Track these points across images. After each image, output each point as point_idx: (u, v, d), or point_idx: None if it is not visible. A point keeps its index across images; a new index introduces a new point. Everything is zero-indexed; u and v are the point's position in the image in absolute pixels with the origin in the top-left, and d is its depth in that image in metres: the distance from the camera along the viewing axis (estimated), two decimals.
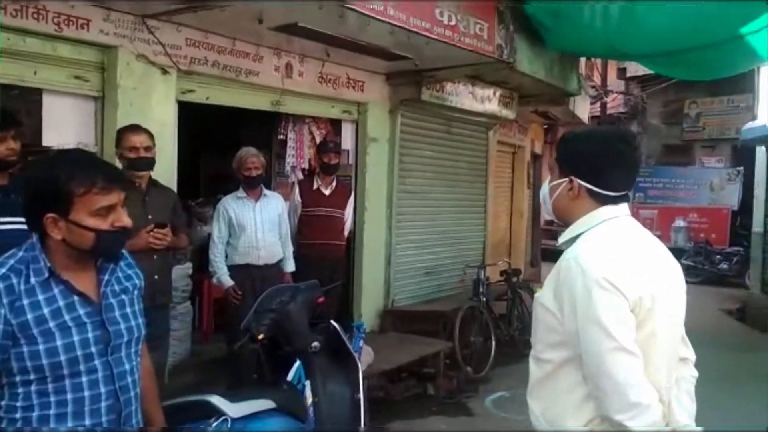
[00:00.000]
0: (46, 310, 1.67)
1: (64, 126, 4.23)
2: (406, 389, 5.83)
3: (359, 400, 3.39)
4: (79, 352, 1.69)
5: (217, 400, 2.46)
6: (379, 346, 5.51)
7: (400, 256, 6.87)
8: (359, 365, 3.49)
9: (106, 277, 1.82)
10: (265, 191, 4.96)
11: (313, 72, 5.65)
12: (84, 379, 1.71)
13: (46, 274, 1.69)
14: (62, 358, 1.66)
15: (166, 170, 4.56)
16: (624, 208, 1.79)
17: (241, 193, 4.87)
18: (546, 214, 2.00)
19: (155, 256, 3.69)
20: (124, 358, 1.81)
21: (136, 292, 1.92)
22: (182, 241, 3.98)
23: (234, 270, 4.78)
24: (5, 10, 3.65)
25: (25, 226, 2.69)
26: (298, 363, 3.29)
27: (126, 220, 1.76)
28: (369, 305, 6.55)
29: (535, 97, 8.03)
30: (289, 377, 3.24)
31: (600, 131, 1.97)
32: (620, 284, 1.59)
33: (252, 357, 3.63)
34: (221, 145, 7.43)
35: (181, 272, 5.27)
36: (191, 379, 5.03)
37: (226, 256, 4.82)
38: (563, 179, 1.81)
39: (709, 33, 5.48)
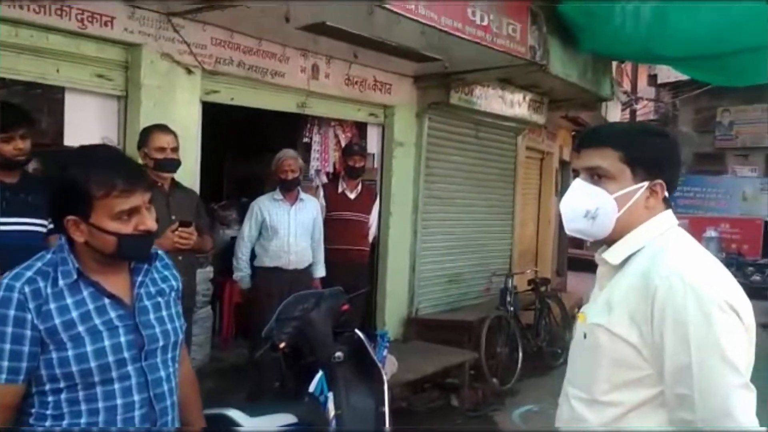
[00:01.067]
0: (74, 314, 1.57)
1: (86, 125, 4.15)
2: (430, 400, 5.68)
3: (384, 413, 3.24)
4: (110, 358, 1.59)
5: (234, 414, 2.33)
6: (402, 356, 5.35)
7: (425, 263, 6.71)
8: (384, 377, 3.34)
9: (140, 279, 1.72)
10: (302, 195, 4.86)
11: (340, 74, 5.53)
12: (116, 386, 1.61)
13: (75, 276, 1.60)
14: (92, 364, 1.57)
15: (189, 172, 4.46)
16: (672, 214, 1.56)
17: (277, 195, 4.78)
18: (577, 233, 1.56)
19: (180, 258, 3.57)
20: (159, 364, 1.70)
21: (173, 294, 1.82)
22: (206, 242, 3.86)
23: (262, 272, 4.70)
24: (28, 6, 3.57)
25: (34, 227, 2.57)
26: (320, 373, 3.15)
27: (150, 224, 1.65)
28: (393, 313, 6.40)
29: (566, 101, 7.82)
30: (311, 388, 3.11)
31: (649, 125, 1.72)
32: (738, 307, 1.36)
33: (274, 366, 3.50)
34: (245, 148, 7.37)
35: (203, 276, 5.16)
36: (210, 387, 4.89)
37: (255, 257, 4.75)
38: (641, 184, 1.49)
39: (748, 36, 5.24)
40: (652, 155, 1.50)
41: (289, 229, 4.68)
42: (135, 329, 1.65)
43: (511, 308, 6.42)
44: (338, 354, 3.19)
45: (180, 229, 3.43)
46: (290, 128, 6.37)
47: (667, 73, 13.90)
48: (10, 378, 1.54)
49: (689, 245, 1.49)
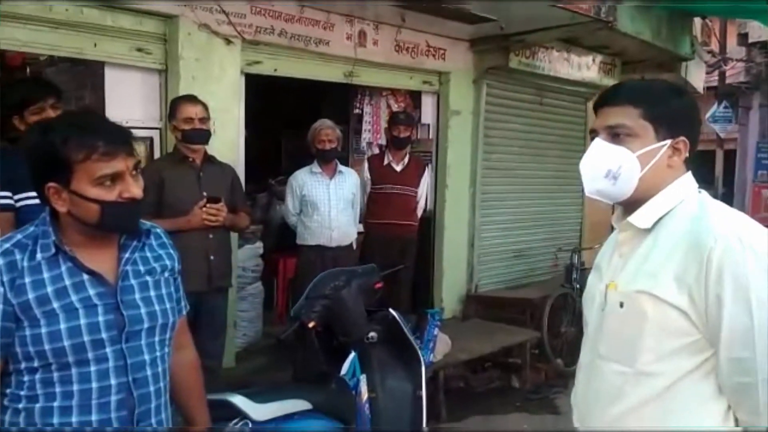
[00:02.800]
0: (49, 289, 1.49)
1: (127, 100, 4.13)
2: (489, 381, 5.48)
3: (421, 397, 3.07)
4: (86, 338, 1.50)
5: (239, 401, 2.19)
6: (460, 334, 5.18)
7: (484, 238, 6.43)
8: (422, 359, 3.15)
9: (127, 255, 1.61)
10: (341, 167, 4.67)
11: (389, 40, 5.28)
12: (92, 368, 1.51)
13: (53, 250, 1.51)
14: (66, 343, 1.48)
15: (231, 146, 4.39)
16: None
17: (315, 167, 4.60)
18: (598, 195, 1.49)
19: (211, 235, 3.49)
20: (144, 348, 1.59)
21: (166, 274, 1.70)
22: (242, 220, 3.75)
23: (304, 251, 4.56)
24: None
25: None
26: (353, 355, 3.00)
27: (135, 191, 1.53)
28: (450, 290, 6.18)
29: (641, 63, 7.26)
30: (343, 371, 2.95)
31: (671, 83, 1.59)
32: None
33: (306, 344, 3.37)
34: (301, 121, 7.28)
35: (251, 252, 5.13)
36: (262, 362, 4.90)
37: (296, 236, 4.63)
38: (664, 142, 1.43)
39: None
40: (673, 112, 1.45)
41: (330, 204, 4.50)
42: (116, 308, 1.55)
43: (578, 285, 6.06)
44: (372, 334, 3.04)
45: (208, 205, 3.34)
46: (343, 99, 6.21)
47: (759, 32, 12.72)
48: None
49: (727, 207, 1.44)
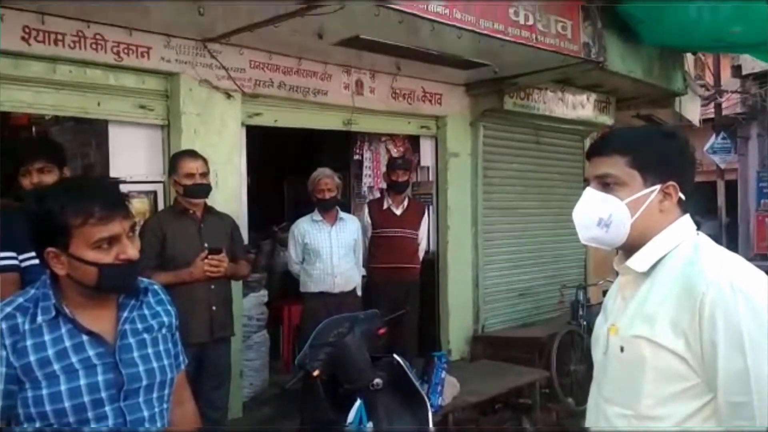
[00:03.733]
0: (50, 351, 1.52)
1: (131, 155, 4.23)
2: (500, 422, 5.39)
3: None
4: (86, 398, 1.52)
5: None
6: (469, 376, 5.13)
7: (489, 278, 6.44)
8: (428, 404, 3.14)
9: (126, 314, 1.64)
10: (341, 214, 4.71)
11: (386, 87, 5.41)
12: (93, 426, 1.53)
13: (53, 313, 1.54)
14: (67, 404, 1.50)
15: (233, 196, 4.46)
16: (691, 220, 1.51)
17: (316, 216, 4.64)
18: (593, 242, 1.52)
19: (213, 286, 3.52)
20: (142, 405, 1.61)
21: (164, 331, 1.73)
22: (242, 269, 3.79)
23: (308, 298, 4.57)
24: (63, 42, 3.65)
25: None
26: (358, 402, 2.98)
27: (132, 252, 1.57)
28: (457, 331, 6.16)
29: (635, 99, 7.38)
30: (349, 418, 2.94)
31: (660, 128, 1.71)
32: None
33: (307, 395, 3.35)
34: (303, 167, 7.38)
35: (256, 300, 5.14)
36: (268, 412, 4.86)
37: (299, 283, 4.66)
38: (652, 188, 1.45)
39: None
40: (660, 157, 1.47)
41: (332, 251, 4.53)
42: (114, 367, 1.58)
43: (585, 322, 6.03)
44: (377, 381, 3.02)
45: (210, 256, 3.38)
46: (343, 145, 6.31)
47: (753, 63, 12.89)
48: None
49: (722, 250, 1.45)
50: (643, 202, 1.44)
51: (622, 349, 1.44)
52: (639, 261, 1.46)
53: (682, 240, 1.45)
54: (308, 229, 4.62)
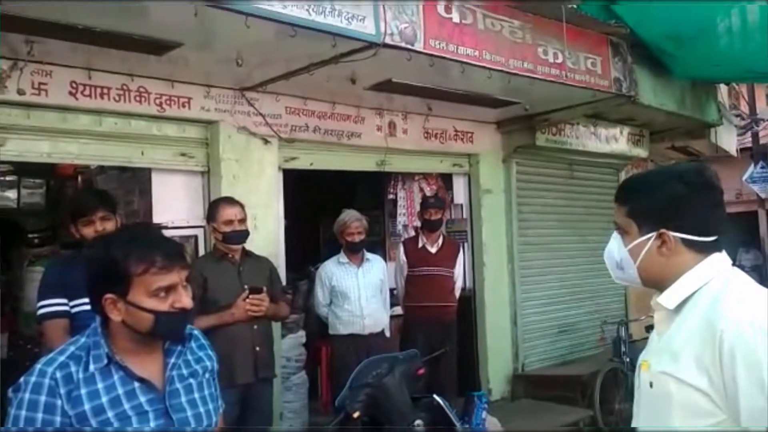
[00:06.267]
0: (104, 399, 1.55)
1: (173, 202, 4.35)
2: None
3: None
4: None
5: None
6: (510, 416, 5.06)
7: (527, 315, 6.37)
8: None
9: (173, 361, 1.69)
10: (367, 255, 4.75)
11: (418, 128, 5.49)
12: None
13: (105, 361, 1.59)
14: None
15: (272, 239, 4.54)
16: (726, 255, 1.50)
17: (343, 258, 4.70)
18: (621, 281, 1.63)
19: (255, 327, 3.58)
20: None
21: (207, 375, 1.77)
22: (282, 309, 3.84)
23: (338, 341, 4.58)
24: (108, 95, 3.82)
25: None
26: None
27: (187, 301, 1.63)
28: (497, 370, 6.09)
29: (669, 131, 7.34)
30: None
31: (673, 169, 1.63)
32: None
33: None
34: (338, 208, 7.46)
35: (294, 341, 5.18)
36: None
37: (328, 326, 4.67)
38: (647, 236, 1.50)
39: None
40: (653, 206, 1.51)
41: (359, 292, 4.56)
42: (165, 413, 1.61)
43: (628, 359, 5.89)
44: (418, 422, 3.01)
45: (251, 296, 3.44)
46: (377, 184, 6.38)
47: None
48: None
49: (749, 287, 1.45)
50: (641, 249, 1.50)
51: (651, 385, 1.47)
52: (668, 298, 1.49)
53: (713, 277, 1.46)
54: (335, 272, 4.66)
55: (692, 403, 1.37)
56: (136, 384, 1.60)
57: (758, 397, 1.29)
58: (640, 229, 1.51)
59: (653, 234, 1.49)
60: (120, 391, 1.57)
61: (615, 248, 1.57)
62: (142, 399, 1.59)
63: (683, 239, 1.47)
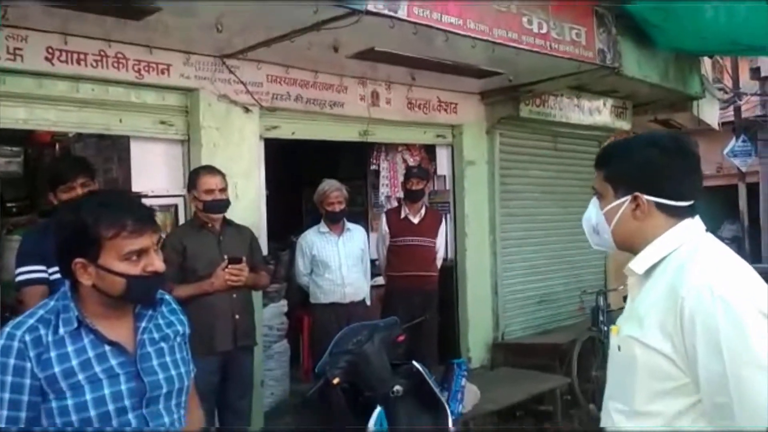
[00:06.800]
0: (74, 362, 1.56)
1: (152, 171, 4.31)
2: (522, 429, 5.37)
3: None
4: (110, 407, 1.57)
5: None
6: (489, 384, 5.13)
7: (508, 285, 6.43)
8: (448, 411, 3.17)
9: (144, 324, 1.69)
10: (348, 225, 4.75)
11: (401, 98, 5.45)
12: None
13: (75, 324, 1.59)
14: (92, 413, 1.55)
15: (253, 208, 4.53)
16: (700, 221, 1.54)
17: (323, 227, 4.70)
18: (597, 246, 1.68)
19: (234, 295, 3.59)
20: (163, 411, 1.67)
21: (178, 339, 1.79)
22: (263, 278, 3.85)
23: (319, 310, 4.60)
24: (85, 61, 3.75)
25: None
26: (379, 409, 3.02)
27: (159, 265, 1.64)
28: (477, 339, 6.16)
29: (652, 104, 7.36)
30: (370, 426, 2.98)
31: (650, 136, 1.65)
32: None
33: (332, 401, 3.39)
34: (321, 178, 7.44)
35: (276, 310, 5.20)
36: (290, 422, 4.89)
37: (307, 295, 4.70)
38: (622, 199, 1.54)
39: None
40: (628, 171, 1.55)
41: (340, 261, 4.58)
42: (136, 376, 1.63)
43: (606, 328, 5.99)
44: (397, 388, 3.07)
45: (230, 266, 3.45)
46: (360, 155, 6.36)
47: None
48: (7, 427, 1.53)
49: (717, 253, 1.47)
50: (615, 213, 1.55)
51: (619, 348, 1.52)
52: (637, 263, 1.54)
53: (683, 243, 1.49)
54: (315, 241, 4.67)
55: (656, 367, 1.41)
56: (107, 347, 1.61)
57: (715, 362, 1.33)
58: (615, 192, 1.55)
59: (628, 197, 1.52)
60: (90, 354, 1.58)
61: (593, 213, 1.62)
62: (113, 362, 1.60)
63: (657, 203, 1.50)
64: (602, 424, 1.58)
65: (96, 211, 1.59)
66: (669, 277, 1.45)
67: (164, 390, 1.67)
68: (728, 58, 13.07)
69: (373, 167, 6.01)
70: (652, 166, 1.52)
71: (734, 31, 5.23)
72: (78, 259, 1.58)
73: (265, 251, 4.35)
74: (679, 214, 1.51)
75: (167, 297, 1.82)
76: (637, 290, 1.55)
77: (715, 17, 5.04)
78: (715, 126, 9.48)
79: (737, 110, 14.01)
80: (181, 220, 4.29)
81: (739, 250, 14.83)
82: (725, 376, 1.31)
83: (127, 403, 1.59)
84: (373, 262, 5.56)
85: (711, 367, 1.33)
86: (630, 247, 1.56)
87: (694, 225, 1.52)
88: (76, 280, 1.61)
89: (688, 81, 6.58)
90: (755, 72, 14.01)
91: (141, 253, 1.60)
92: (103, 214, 1.58)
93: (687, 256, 1.46)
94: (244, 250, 3.68)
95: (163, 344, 1.72)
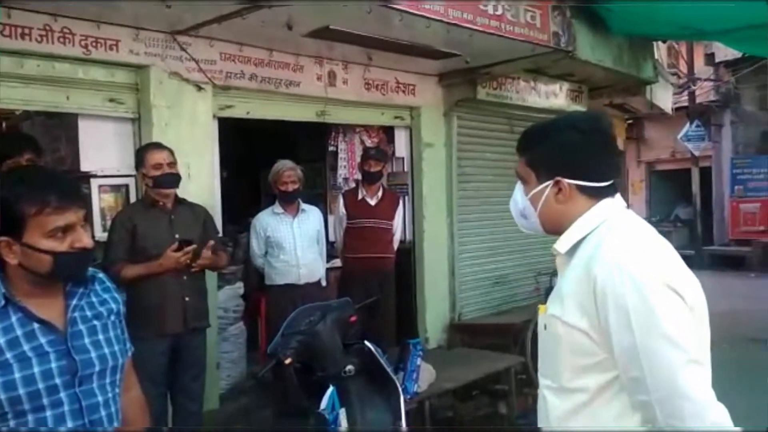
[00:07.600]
0: (2, 340, 1.53)
1: (102, 150, 4.21)
2: (477, 408, 5.46)
3: (400, 428, 3.09)
4: (40, 385, 1.54)
5: None
6: (445, 363, 5.17)
7: (465, 266, 6.50)
8: (400, 390, 3.19)
9: (74, 302, 1.66)
10: (303, 205, 4.73)
11: (358, 78, 5.42)
12: (48, 413, 1.55)
13: (2, 302, 1.56)
14: (21, 391, 1.52)
15: (206, 189, 4.46)
16: (620, 199, 1.57)
17: (277, 208, 4.66)
18: (526, 230, 1.70)
19: (185, 277, 3.54)
20: (96, 390, 1.65)
21: (112, 317, 1.76)
22: (220, 259, 3.79)
23: (273, 290, 4.59)
24: (30, 36, 3.63)
25: None
26: (331, 389, 3.03)
27: (87, 241, 1.60)
28: (434, 319, 6.22)
29: (607, 88, 7.47)
30: (322, 405, 2.98)
31: (567, 118, 1.66)
32: (678, 286, 1.38)
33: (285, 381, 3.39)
34: (278, 159, 7.37)
35: (231, 292, 5.16)
36: (245, 403, 4.89)
37: (264, 277, 4.68)
38: (544, 184, 1.56)
39: None
40: (548, 156, 1.56)
41: (295, 243, 4.55)
42: (67, 354, 1.60)
43: None
44: (349, 367, 3.07)
45: (185, 249, 3.39)
46: (318, 136, 6.32)
47: (725, 51, 13.04)
48: None
49: (632, 230, 1.50)
50: (540, 197, 1.57)
51: (545, 327, 1.55)
52: (561, 243, 1.57)
53: (603, 221, 1.52)
54: (270, 222, 4.63)
55: (577, 344, 1.44)
56: (36, 325, 1.58)
57: (627, 337, 1.37)
58: (538, 177, 1.57)
59: (550, 182, 1.55)
60: (18, 332, 1.55)
61: (519, 198, 1.64)
62: (43, 340, 1.57)
63: (578, 186, 1.53)
64: (538, 402, 1.61)
65: (17, 188, 1.55)
66: (587, 255, 1.48)
67: (97, 368, 1.65)
68: (684, 44, 13.35)
69: (331, 148, 5.98)
70: (571, 150, 1.54)
71: (684, 15, 5.32)
72: (2, 238, 1.55)
73: (221, 233, 4.30)
74: (600, 193, 1.54)
75: (100, 275, 1.79)
76: (562, 270, 1.59)
77: (667, 1, 5.11)
78: (669, 110, 9.70)
79: (691, 95, 14.36)
80: (133, 200, 4.21)
81: (692, 233, 15.32)
82: (636, 350, 1.35)
83: (58, 381, 1.57)
84: (331, 243, 5.56)
85: (623, 342, 1.37)
86: (557, 229, 1.58)
87: (614, 203, 1.55)
88: (2, 259, 1.58)
89: (642, 66, 6.69)
90: (710, 58, 14.33)
91: (67, 229, 1.56)
92: (24, 190, 1.54)
93: (604, 234, 1.49)
94: (197, 228, 3.62)
95: (96, 322, 1.69)
